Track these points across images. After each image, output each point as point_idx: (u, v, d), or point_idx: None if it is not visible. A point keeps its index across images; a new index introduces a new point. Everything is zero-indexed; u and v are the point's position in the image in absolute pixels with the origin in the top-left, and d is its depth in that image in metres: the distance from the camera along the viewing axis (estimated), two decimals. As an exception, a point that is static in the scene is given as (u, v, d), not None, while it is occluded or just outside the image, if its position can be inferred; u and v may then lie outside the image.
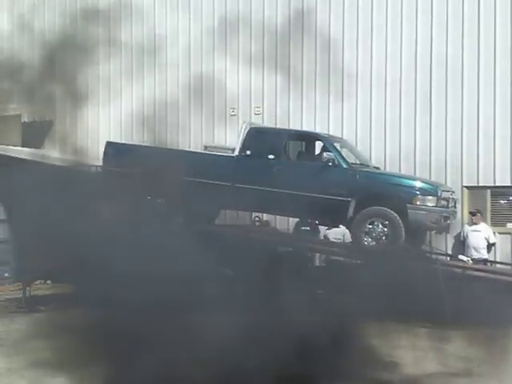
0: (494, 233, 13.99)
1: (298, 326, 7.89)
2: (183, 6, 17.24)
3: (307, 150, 13.50)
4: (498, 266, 13.68)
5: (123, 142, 14.28)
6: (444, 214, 12.42)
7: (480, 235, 13.67)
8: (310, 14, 15.58)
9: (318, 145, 13.19)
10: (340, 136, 14.67)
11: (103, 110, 17.47)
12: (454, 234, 14.08)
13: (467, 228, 13.89)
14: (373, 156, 14.81)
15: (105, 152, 13.49)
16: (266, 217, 14.12)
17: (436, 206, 12.18)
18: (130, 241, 9.80)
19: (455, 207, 13.10)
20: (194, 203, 12.34)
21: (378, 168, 13.50)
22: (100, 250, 9.48)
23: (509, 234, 14.32)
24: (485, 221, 14.14)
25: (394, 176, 13.04)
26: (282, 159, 12.78)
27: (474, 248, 13.59)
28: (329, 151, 12.52)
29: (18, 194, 11.38)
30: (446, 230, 13.01)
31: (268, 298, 9.01)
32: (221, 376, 7.05)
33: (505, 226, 14.51)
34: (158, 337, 7.79)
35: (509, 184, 14.44)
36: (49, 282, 14.06)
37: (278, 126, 15.29)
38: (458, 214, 13.63)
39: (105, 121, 17.50)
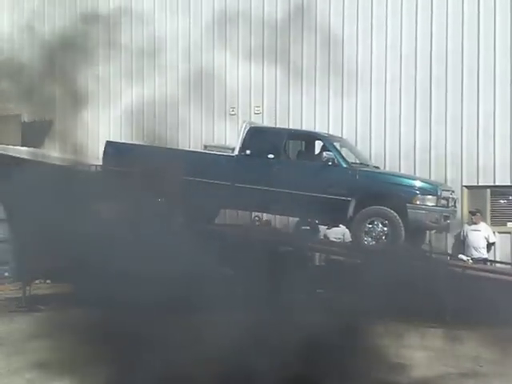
0: (494, 232, 13.99)
1: (301, 326, 7.88)
2: (183, 5, 17.22)
3: (307, 149, 13.49)
4: (498, 265, 13.69)
5: (123, 141, 14.25)
6: (444, 214, 12.42)
7: (480, 235, 13.68)
8: (310, 10, 15.59)
9: (318, 144, 13.18)
10: (340, 135, 14.70)
11: (103, 110, 17.47)
12: (454, 234, 14.08)
13: (467, 227, 13.90)
14: (372, 153, 14.84)
15: (104, 151, 13.49)
16: (265, 216, 14.11)
17: (436, 206, 12.17)
18: (130, 240, 9.80)
19: (455, 207, 13.09)
20: (193, 203, 12.34)
21: (377, 167, 13.50)
22: (99, 250, 9.48)
23: (508, 233, 14.33)
24: (484, 220, 14.14)
25: (393, 175, 13.03)
26: (281, 159, 12.78)
27: (474, 247, 13.60)
28: (328, 151, 12.52)
29: (17, 194, 11.38)
30: (445, 229, 13.00)
31: (269, 298, 9.01)
32: (224, 376, 7.03)
33: (505, 225, 14.52)
34: (159, 337, 7.78)
35: (509, 184, 14.46)
36: (48, 281, 14.06)
37: (277, 126, 15.29)
38: (458, 214, 13.63)
39: (104, 120, 17.50)
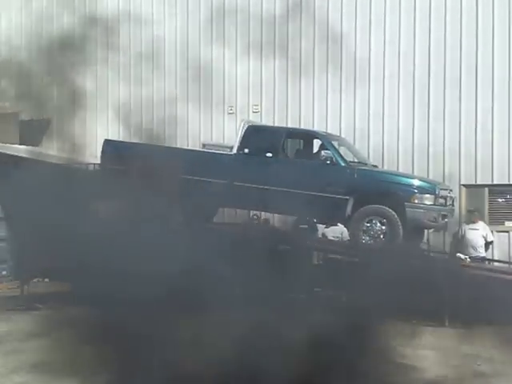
0: (492, 231, 13.98)
1: (301, 326, 7.88)
2: (181, 2, 17.19)
3: (305, 148, 13.49)
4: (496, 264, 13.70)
5: (121, 139, 14.24)
6: (442, 213, 12.44)
7: (478, 233, 13.66)
8: (309, 6, 15.59)
9: (316, 143, 13.19)
10: (338, 131, 14.77)
11: (101, 109, 17.44)
12: (452, 232, 14.08)
13: (465, 226, 13.89)
14: (371, 149, 14.89)
15: (103, 150, 13.48)
16: (264, 215, 14.11)
17: (434, 205, 12.19)
18: (128, 239, 9.79)
19: (453, 205, 13.11)
20: (192, 201, 12.34)
21: (376, 166, 13.52)
22: (97, 248, 9.48)
23: (506, 232, 14.34)
24: (483, 219, 14.14)
25: (392, 174, 13.05)
26: (279, 157, 12.79)
27: (472, 246, 13.58)
28: (327, 149, 12.53)
29: (15, 192, 11.37)
30: (443, 228, 13.01)
31: (267, 297, 9.01)
32: (230, 376, 7.02)
33: (503, 224, 14.53)
34: (158, 336, 7.77)
35: (507, 182, 14.46)
36: (47, 279, 14.04)
37: (276, 124, 15.29)
38: (456, 213, 13.63)
39: (103, 119, 17.48)
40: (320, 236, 13.68)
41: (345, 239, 12.90)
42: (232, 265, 10.31)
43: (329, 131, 14.69)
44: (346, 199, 12.14)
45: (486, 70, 14.58)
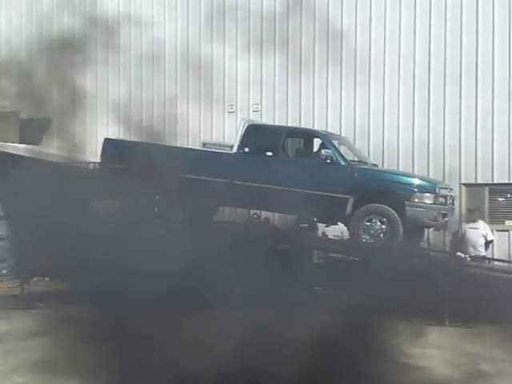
0: (492, 230, 13.97)
1: (300, 325, 7.88)
2: (182, 2, 17.18)
3: (305, 147, 13.49)
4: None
5: (121, 138, 14.24)
6: (442, 212, 12.44)
7: (478, 232, 13.65)
8: (309, 2, 15.59)
9: (317, 142, 13.19)
10: (338, 127, 14.80)
11: (101, 108, 17.43)
12: (452, 232, 14.08)
13: (465, 225, 13.88)
14: (371, 146, 14.93)
15: (103, 149, 13.47)
16: (264, 214, 14.11)
17: (434, 204, 12.19)
18: (128, 237, 9.80)
19: (453, 204, 13.11)
20: (192, 200, 12.33)
21: (376, 165, 13.52)
22: (98, 247, 9.48)
23: (507, 231, 14.34)
24: (483, 218, 14.14)
25: (392, 173, 13.06)
26: (280, 156, 12.78)
27: (472, 245, 13.57)
28: (327, 148, 12.53)
29: (15, 191, 11.37)
30: (444, 227, 13.02)
31: (268, 295, 9.01)
32: (232, 376, 7.02)
33: (503, 223, 14.53)
34: (159, 335, 7.77)
35: (507, 181, 14.46)
36: (47, 278, 14.04)
37: (276, 123, 15.28)
38: (456, 212, 13.63)
39: (103, 118, 17.47)
40: (320, 235, 13.68)
41: (345, 238, 12.90)
42: (232, 264, 10.32)
43: (329, 129, 14.71)
44: (346, 198, 12.14)
45: (487, 67, 14.58)
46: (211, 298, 8.47)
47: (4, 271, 14.84)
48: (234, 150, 12.98)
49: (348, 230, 12.59)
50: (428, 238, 13.02)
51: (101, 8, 16.99)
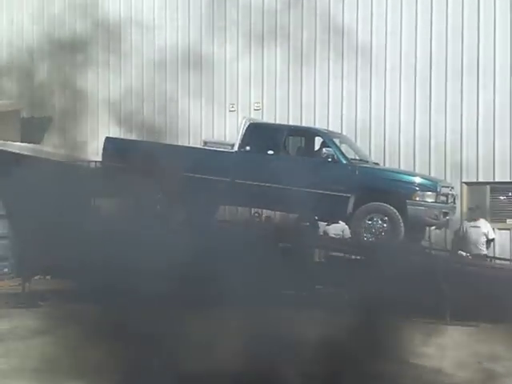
0: (494, 229, 13.96)
1: (301, 325, 7.88)
2: (183, 3, 17.17)
3: (307, 145, 13.49)
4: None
5: (122, 137, 14.24)
6: (443, 210, 12.44)
7: (479, 231, 13.65)
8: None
9: (318, 140, 13.18)
10: (339, 122, 14.81)
11: (102, 106, 17.44)
12: (454, 230, 14.08)
13: (466, 224, 13.87)
14: (372, 142, 14.95)
15: (104, 148, 13.48)
16: (265, 213, 14.10)
17: (435, 202, 12.20)
18: (130, 236, 9.80)
19: (454, 203, 13.11)
20: (193, 199, 12.33)
21: (377, 164, 13.52)
22: (99, 246, 9.48)
23: (508, 229, 14.33)
24: (484, 217, 14.13)
25: (393, 172, 13.08)
26: (281, 155, 12.79)
27: (473, 244, 13.57)
28: (328, 147, 12.53)
29: (17, 190, 11.37)
30: (445, 225, 13.01)
31: (268, 293, 9.01)
32: (229, 376, 7.02)
33: (504, 221, 14.52)
34: (160, 334, 7.77)
35: (508, 180, 14.45)
36: (48, 277, 14.05)
37: (277, 122, 15.28)
38: (458, 210, 13.63)
39: (104, 116, 17.48)
40: (321, 233, 13.68)
41: (346, 237, 12.90)
42: (233, 263, 10.30)
43: (330, 126, 14.72)
44: (348, 197, 12.14)
45: (488, 62, 14.56)
46: (212, 296, 8.46)
47: (5, 270, 14.86)
48: (236, 148, 12.97)
49: (349, 228, 12.60)
50: (429, 237, 13.02)
51: (102, 9, 16.99)
